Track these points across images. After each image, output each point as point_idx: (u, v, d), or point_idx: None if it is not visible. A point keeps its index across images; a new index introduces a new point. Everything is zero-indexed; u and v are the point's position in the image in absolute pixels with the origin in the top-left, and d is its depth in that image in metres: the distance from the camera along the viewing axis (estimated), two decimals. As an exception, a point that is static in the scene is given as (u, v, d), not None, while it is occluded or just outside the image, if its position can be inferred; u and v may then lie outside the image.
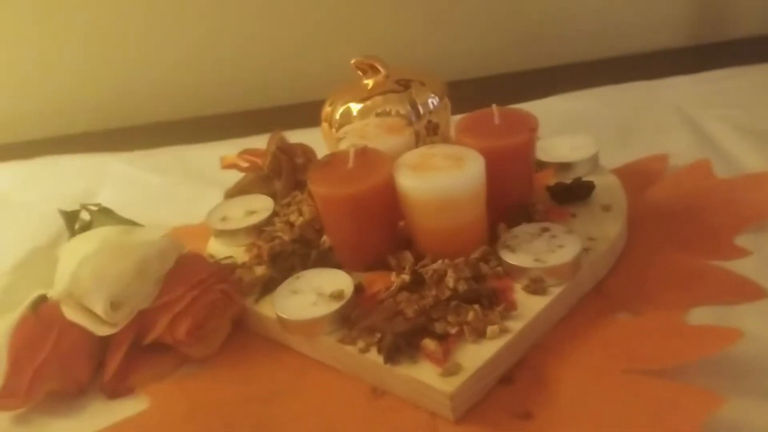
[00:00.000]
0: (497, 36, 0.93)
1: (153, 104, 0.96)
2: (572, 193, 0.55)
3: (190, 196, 0.72)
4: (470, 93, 0.67)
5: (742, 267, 0.49)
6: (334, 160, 0.51)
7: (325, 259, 0.52)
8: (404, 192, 0.48)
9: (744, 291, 0.47)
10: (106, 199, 0.64)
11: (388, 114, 0.61)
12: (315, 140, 0.65)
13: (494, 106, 0.52)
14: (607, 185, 0.56)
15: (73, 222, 0.62)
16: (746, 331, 0.42)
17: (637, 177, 0.60)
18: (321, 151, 0.64)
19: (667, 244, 0.53)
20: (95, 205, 0.62)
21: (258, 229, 0.57)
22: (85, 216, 0.62)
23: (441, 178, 0.47)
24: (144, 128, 0.95)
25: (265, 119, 0.81)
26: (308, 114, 0.70)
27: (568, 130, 0.62)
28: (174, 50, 0.95)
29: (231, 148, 0.70)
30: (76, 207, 0.62)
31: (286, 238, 0.54)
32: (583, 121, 0.73)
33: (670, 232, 0.54)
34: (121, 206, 0.61)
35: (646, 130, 0.71)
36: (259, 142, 0.67)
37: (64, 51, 0.95)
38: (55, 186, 0.78)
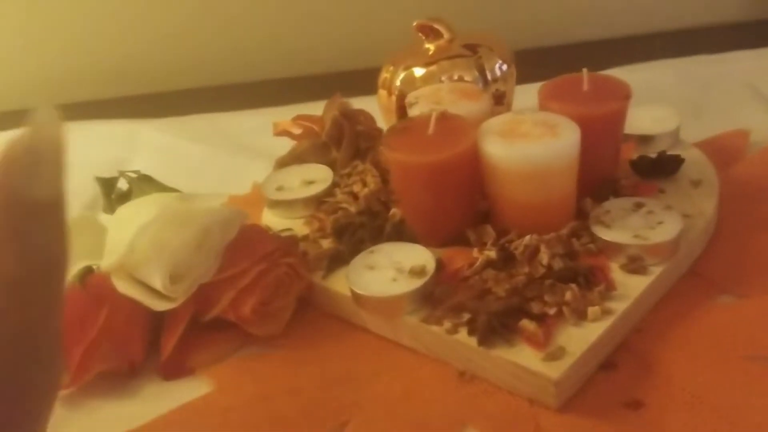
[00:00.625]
0: (558, 6, 0.88)
1: (186, 70, 0.91)
2: (659, 168, 0.51)
3: (232, 165, 0.68)
4: (531, 63, 0.64)
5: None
6: (412, 125, 0.47)
7: (399, 233, 0.48)
8: (492, 161, 0.44)
9: None
10: (141, 168, 0.60)
11: (454, 80, 0.57)
12: (368, 109, 0.61)
13: (585, 71, 0.48)
14: (692, 159, 0.53)
15: (110, 190, 0.57)
16: None
17: (718, 153, 0.56)
18: (377, 119, 0.60)
19: (760, 223, 0.49)
20: (134, 172, 0.58)
21: (318, 201, 0.53)
22: (122, 184, 0.58)
23: (534, 146, 0.43)
24: (174, 95, 0.90)
25: (311, 88, 0.76)
26: (360, 82, 0.66)
27: (637, 103, 0.58)
28: (216, 14, 0.90)
29: (275, 116, 0.65)
30: (112, 174, 0.58)
31: (351, 209, 0.50)
32: (649, 95, 0.69)
33: (762, 211, 0.50)
34: (159, 175, 0.57)
35: (717, 105, 0.67)
36: (305, 110, 0.63)
37: (97, 16, 0.90)
38: (86, 153, 0.73)
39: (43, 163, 0.21)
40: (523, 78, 0.63)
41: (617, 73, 0.72)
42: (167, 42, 0.91)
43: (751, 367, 0.38)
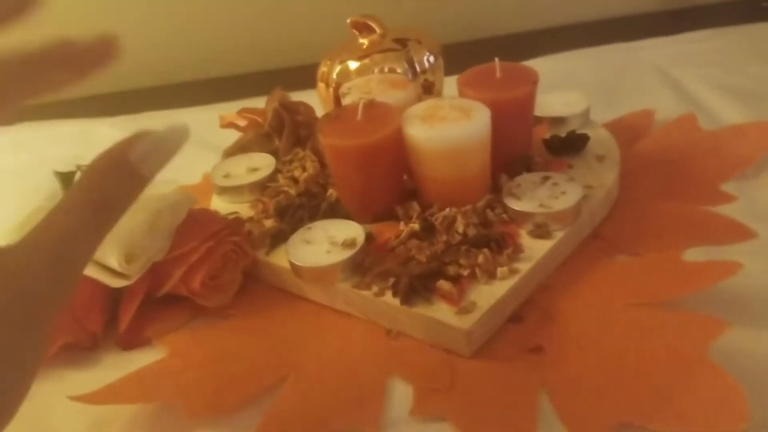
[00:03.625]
0: (485, 1, 0.94)
1: (139, 69, 0.95)
2: (568, 145, 0.57)
3: (183, 158, 0.70)
4: (460, 55, 0.69)
5: (728, 211, 0.52)
6: (344, 113, 0.52)
7: (334, 211, 0.53)
8: (414, 143, 0.49)
9: (734, 232, 0.50)
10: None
11: (385, 72, 0.62)
12: (309, 102, 0.65)
13: (496, 60, 0.54)
14: (599, 138, 0.58)
15: (69, 183, 0.61)
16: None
17: (626, 131, 0.63)
18: (317, 111, 0.65)
19: (658, 192, 0.55)
20: (91, 166, 0.62)
21: (262, 185, 0.58)
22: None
23: (451, 128, 0.48)
24: (128, 94, 0.93)
25: (255, 83, 0.81)
26: (301, 78, 0.70)
27: (556, 89, 0.64)
28: (163, 13, 0.94)
29: (222, 110, 0.70)
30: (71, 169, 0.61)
31: (291, 192, 0.55)
32: (569, 80, 0.75)
33: (661, 181, 0.57)
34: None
35: (630, 90, 0.73)
36: (250, 105, 0.67)
37: (48, 18, 0.93)
38: (43, 152, 0.77)
39: (158, 152, 0.29)
40: (454, 69, 0.68)
41: (540, 62, 0.78)
42: (121, 43, 0.94)
43: (633, 313, 0.44)
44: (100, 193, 0.27)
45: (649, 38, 0.83)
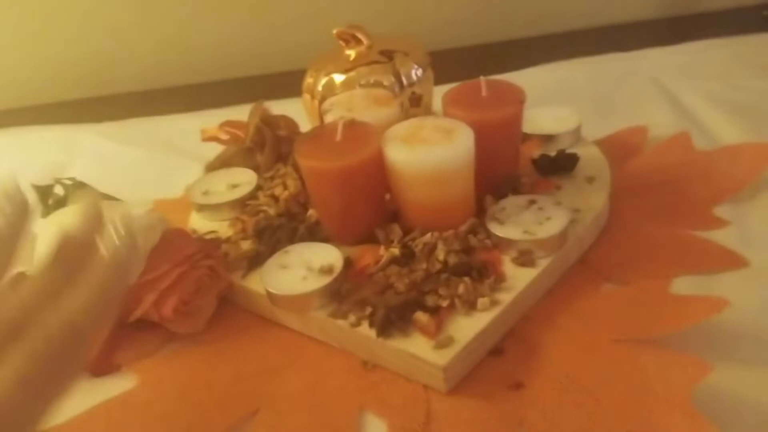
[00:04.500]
0: (477, 6, 0.92)
1: (123, 73, 0.93)
2: (557, 165, 0.55)
3: (166, 169, 0.71)
4: (451, 63, 0.67)
5: (721, 237, 0.51)
6: (322, 132, 0.51)
7: (313, 233, 0.51)
8: (394, 165, 0.48)
9: (726, 260, 0.48)
10: (78, 173, 0.62)
11: (371, 85, 0.60)
12: (295, 111, 0.64)
13: (482, 78, 0.52)
14: (590, 157, 0.57)
15: (47, 197, 0.60)
16: (731, 301, 0.43)
17: (618, 149, 0.61)
18: (302, 122, 0.64)
19: (648, 215, 0.54)
20: (69, 179, 0.61)
21: (242, 203, 0.56)
22: (59, 190, 0.60)
23: (432, 151, 0.47)
24: (113, 98, 0.92)
25: (243, 89, 0.80)
26: (288, 84, 0.68)
27: (548, 102, 0.62)
28: (149, 17, 0.92)
29: (208, 119, 0.68)
30: (49, 181, 0.60)
31: (271, 212, 0.54)
32: (562, 92, 0.73)
33: (652, 203, 0.55)
34: (95, 180, 0.60)
35: (624, 102, 0.71)
36: (237, 113, 0.66)
37: (31, 19, 0.91)
38: (23, 159, 0.75)
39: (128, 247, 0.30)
40: (445, 78, 0.67)
41: (533, 72, 0.76)
42: (102, 46, 0.93)
43: (617, 349, 0.42)
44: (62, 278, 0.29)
45: (647, 48, 0.80)
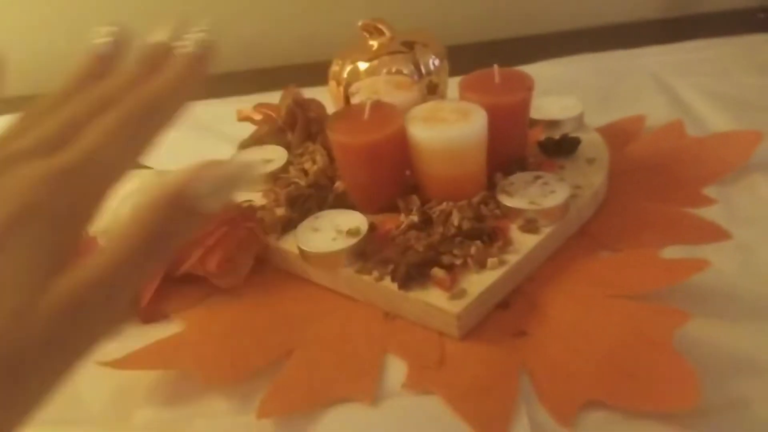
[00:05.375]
0: (488, 5, 0.98)
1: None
2: (560, 147, 0.61)
3: (202, 148, 0.76)
4: (464, 57, 0.73)
5: (708, 214, 0.56)
6: (351, 112, 0.57)
7: (341, 202, 0.57)
8: (415, 141, 0.54)
9: (711, 233, 0.54)
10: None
11: (393, 74, 0.66)
12: (321, 98, 0.70)
13: (495, 66, 0.58)
14: (591, 141, 0.62)
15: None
16: (713, 267, 0.48)
17: (617, 135, 0.66)
18: (328, 107, 0.69)
19: (643, 193, 0.59)
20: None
21: (274, 176, 0.62)
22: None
23: (449, 129, 0.53)
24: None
25: (271, 79, 0.85)
26: (314, 74, 0.74)
27: (553, 93, 0.68)
28: (186, 7, 0.98)
29: (240, 104, 0.74)
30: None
31: (302, 183, 0.60)
32: (567, 85, 0.79)
33: (646, 182, 0.60)
34: (136, 159, 0.66)
35: (625, 95, 0.77)
36: (266, 99, 0.72)
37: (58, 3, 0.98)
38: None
39: (220, 191, 0.27)
40: (459, 70, 0.72)
41: (541, 66, 0.82)
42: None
43: (610, 303, 0.48)
44: (154, 230, 0.26)
45: (648, 46, 0.86)
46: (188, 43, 0.33)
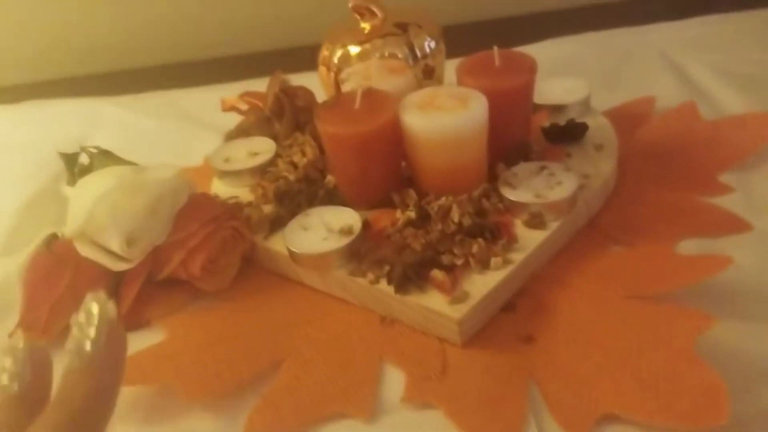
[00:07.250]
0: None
1: (142, 48, 0.95)
2: (567, 134, 0.57)
3: (186, 139, 0.73)
4: (461, 38, 0.69)
5: (725, 203, 0.52)
6: (341, 100, 0.53)
7: (332, 197, 0.53)
8: (410, 131, 0.50)
9: (729, 224, 0.50)
10: (100, 143, 0.64)
11: (386, 58, 0.62)
12: (311, 84, 0.66)
13: (495, 48, 0.54)
14: (598, 126, 0.59)
15: (73, 164, 0.62)
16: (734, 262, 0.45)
17: (626, 119, 0.63)
18: (318, 94, 0.65)
19: (655, 181, 0.56)
20: (95, 147, 0.63)
21: (262, 170, 0.58)
22: (84, 159, 0.62)
23: (447, 117, 0.49)
24: (132, 73, 0.94)
25: (258, 64, 0.81)
26: (303, 58, 0.70)
27: (557, 75, 0.64)
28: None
29: (225, 92, 0.70)
30: (74, 150, 0.62)
31: (291, 178, 0.56)
32: (572, 65, 0.75)
33: (659, 170, 0.57)
34: (117, 150, 0.62)
35: (632, 75, 0.73)
36: (253, 86, 0.68)
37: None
38: (48, 130, 0.78)
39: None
40: (456, 52, 0.68)
41: (543, 46, 0.78)
42: (124, 22, 0.95)
43: (624, 305, 0.44)
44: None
45: (656, 23, 0.82)
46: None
